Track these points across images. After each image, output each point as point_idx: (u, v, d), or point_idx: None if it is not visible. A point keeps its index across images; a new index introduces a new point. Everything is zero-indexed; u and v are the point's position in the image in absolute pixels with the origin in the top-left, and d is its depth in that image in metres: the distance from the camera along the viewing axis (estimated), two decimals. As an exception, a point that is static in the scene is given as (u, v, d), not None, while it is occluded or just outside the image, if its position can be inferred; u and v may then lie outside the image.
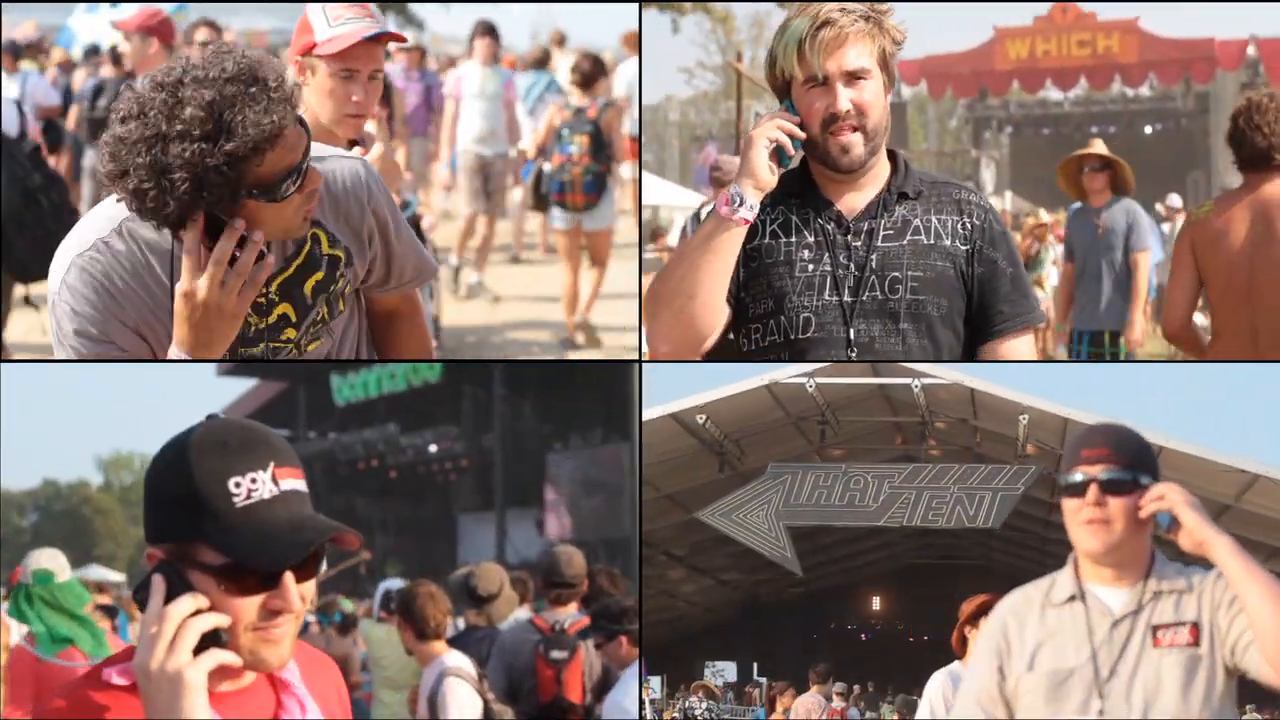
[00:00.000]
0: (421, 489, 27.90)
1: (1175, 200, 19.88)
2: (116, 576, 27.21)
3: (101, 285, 3.46)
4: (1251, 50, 30.94)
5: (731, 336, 3.88)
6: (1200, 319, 6.81)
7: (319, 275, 3.75)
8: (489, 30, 14.95)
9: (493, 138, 14.80)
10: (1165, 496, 3.00)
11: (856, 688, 15.51)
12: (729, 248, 3.71)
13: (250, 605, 2.20)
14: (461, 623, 7.82)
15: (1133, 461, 3.05)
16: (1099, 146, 10.59)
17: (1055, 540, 15.60)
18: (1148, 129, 34.97)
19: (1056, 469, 13.10)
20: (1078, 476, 3.05)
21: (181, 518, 2.19)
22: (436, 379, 25.85)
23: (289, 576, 2.21)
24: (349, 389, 28.37)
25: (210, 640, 2.17)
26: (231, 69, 3.19)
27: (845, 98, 3.65)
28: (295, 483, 2.24)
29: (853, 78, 3.66)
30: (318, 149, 3.59)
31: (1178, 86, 33.47)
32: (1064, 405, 12.41)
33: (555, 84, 17.13)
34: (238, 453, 2.20)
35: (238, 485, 2.17)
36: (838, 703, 14.09)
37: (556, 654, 6.60)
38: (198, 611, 2.17)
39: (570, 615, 6.82)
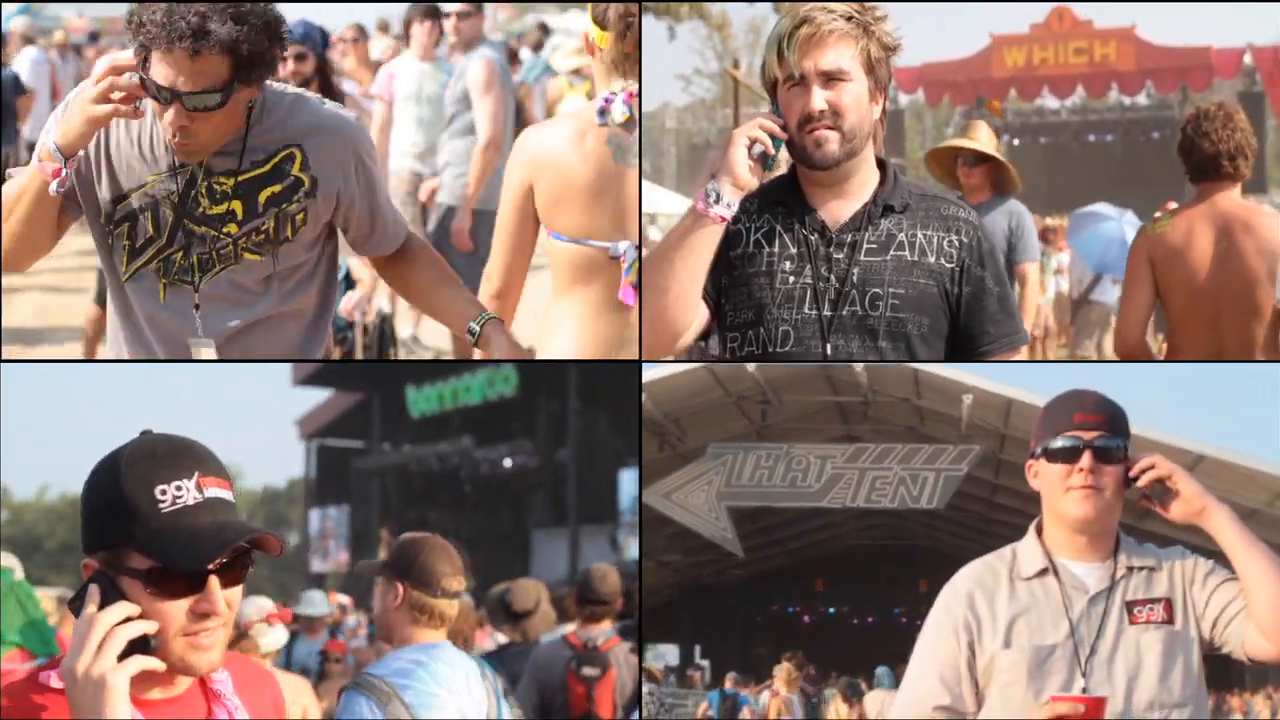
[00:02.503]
0: (496, 503, 27.84)
1: (1174, 208, 19.58)
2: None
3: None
4: (1248, 59, 30.88)
5: (719, 338, 3.81)
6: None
7: (276, 188, 4.02)
8: (431, 13, 11.03)
9: (432, 153, 11.35)
10: (1158, 465, 2.97)
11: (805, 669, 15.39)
12: (704, 245, 3.61)
13: (178, 609, 2.28)
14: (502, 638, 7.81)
15: (1122, 428, 3.00)
16: (979, 136, 8.84)
17: (999, 521, 15.50)
18: (1142, 138, 34.84)
19: (1000, 449, 13.00)
20: (1069, 442, 2.98)
21: (111, 525, 2.29)
22: (512, 392, 25.81)
23: (214, 580, 2.30)
24: (424, 401, 28.33)
25: (139, 647, 2.25)
26: None
27: (820, 98, 3.55)
28: (220, 491, 2.33)
29: (829, 78, 3.56)
30: (325, 102, 4.17)
31: (1175, 95, 33.29)
32: (1008, 385, 12.29)
33: (548, 66, 17.03)
34: (164, 462, 2.30)
35: (163, 493, 2.27)
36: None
37: (588, 670, 6.56)
38: (128, 619, 2.25)
39: (603, 632, 6.75)
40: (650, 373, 12.16)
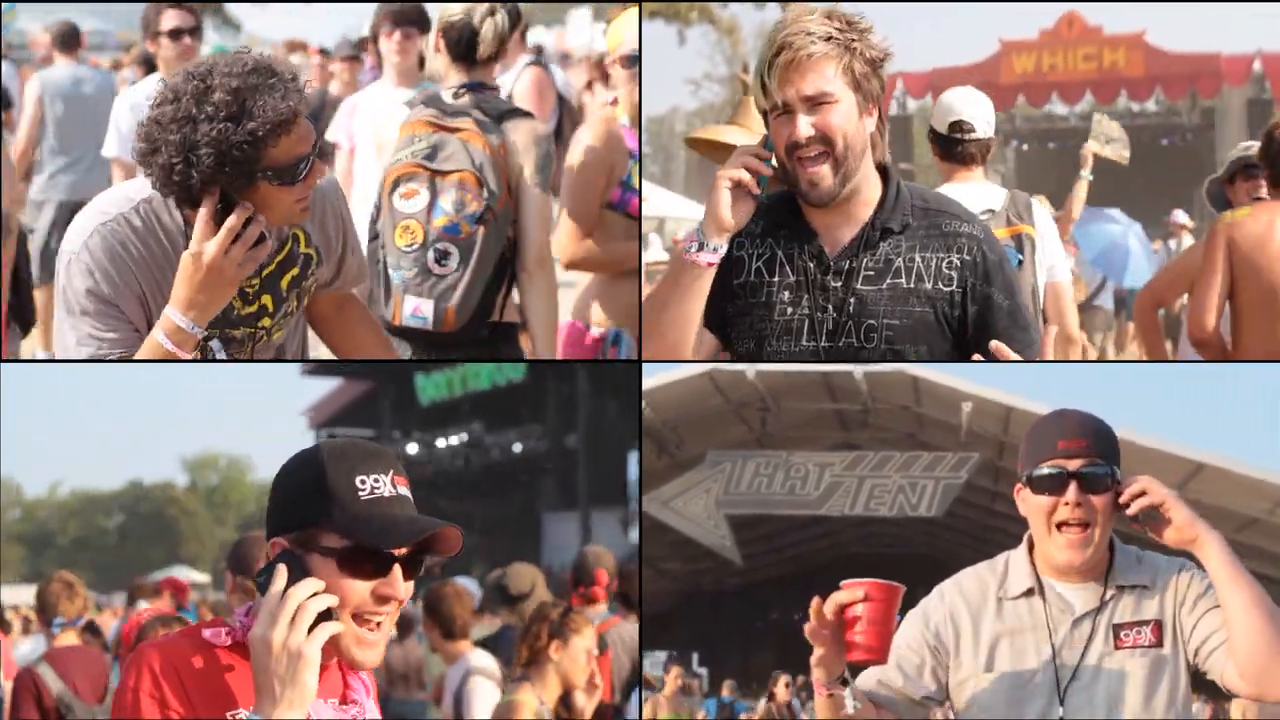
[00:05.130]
0: (506, 487, 27.89)
1: (1181, 216, 19.23)
2: (201, 577, 27.38)
3: (118, 253, 3.84)
4: (1258, 65, 30.80)
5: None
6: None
7: (295, 271, 4.09)
8: (404, 18, 7.84)
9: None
10: (1149, 491, 2.88)
11: (800, 678, 15.29)
12: (694, 291, 3.60)
13: (363, 589, 2.48)
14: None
15: (1109, 452, 2.93)
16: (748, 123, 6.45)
17: (998, 529, 15.42)
18: (1151, 144, 34.81)
19: (999, 456, 12.96)
20: (1054, 471, 2.92)
21: (311, 507, 2.49)
22: (521, 378, 25.94)
23: (397, 567, 2.50)
24: (433, 388, 28.54)
25: (322, 619, 2.44)
26: (252, 63, 3.69)
27: (805, 125, 3.47)
28: (407, 491, 2.56)
29: (814, 103, 3.48)
30: None
31: (1184, 101, 33.25)
32: (1007, 392, 12.27)
33: None
34: (363, 458, 2.53)
35: (363, 482, 2.50)
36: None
37: None
38: (315, 595, 2.44)
39: (599, 614, 6.80)
40: (652, 380, 12.16)
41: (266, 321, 4.10)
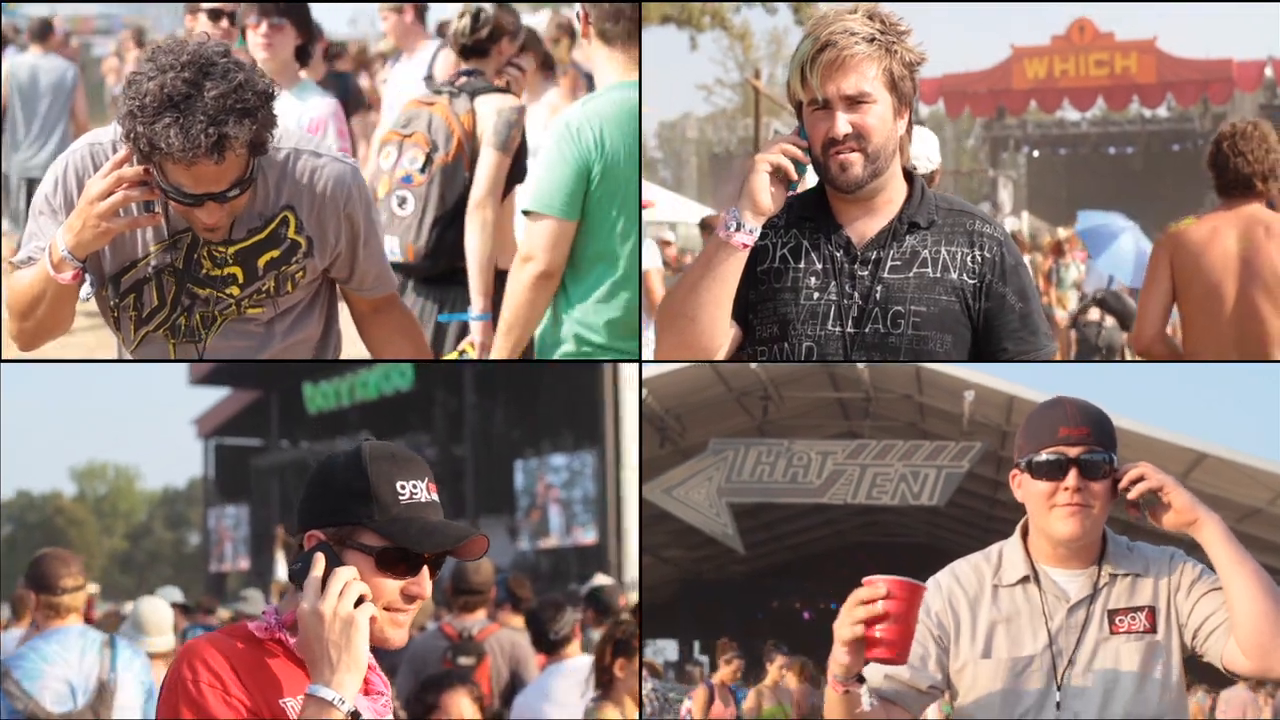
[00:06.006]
0: None
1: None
2: (90, 587, 27.27)
3: (88, 176, 3.90)
4: (1269, 71, 30.85)
5: (746, 352, 3.83)
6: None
7: (274, 253, 4.10)
8: (274, 7, 6.86)
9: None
10: (1148, 476, 2.94)
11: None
12: (728, 271, 3.62)
13: (393, 587, 2.66)
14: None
15: (1108, 440, 2.98)
16: None
17: (1000, 518, 15.41)
18: (1162, 150, 34.77)
19: (1002, 445, 12.95)
20: (1054, 457, 2.97)
21: (352, 506, 2.65)
22: (409, 387, 26.04)
23: (426, 568, 2.68)
24: (321, 398, 28.61)
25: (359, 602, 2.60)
26: (209, 87, 3.64)
27: (844, 122, 3.53)
28: (437, 496, 2.73)
29: (853, 102, 3.54)
30: (320, 147, 4.17)
31: (1195, 107, 33.26)
32: (1009, 381, 12.26)
33: None
34: (403, 464, 2.70)
35: (403, 487, 2.67)
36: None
37: (463, 660, 6.70)
38: (355, 579, 2.60)
39: (478, 622, 6.94)
40: (652, 368, 12.16)
41: (234, 290, 4.12)
